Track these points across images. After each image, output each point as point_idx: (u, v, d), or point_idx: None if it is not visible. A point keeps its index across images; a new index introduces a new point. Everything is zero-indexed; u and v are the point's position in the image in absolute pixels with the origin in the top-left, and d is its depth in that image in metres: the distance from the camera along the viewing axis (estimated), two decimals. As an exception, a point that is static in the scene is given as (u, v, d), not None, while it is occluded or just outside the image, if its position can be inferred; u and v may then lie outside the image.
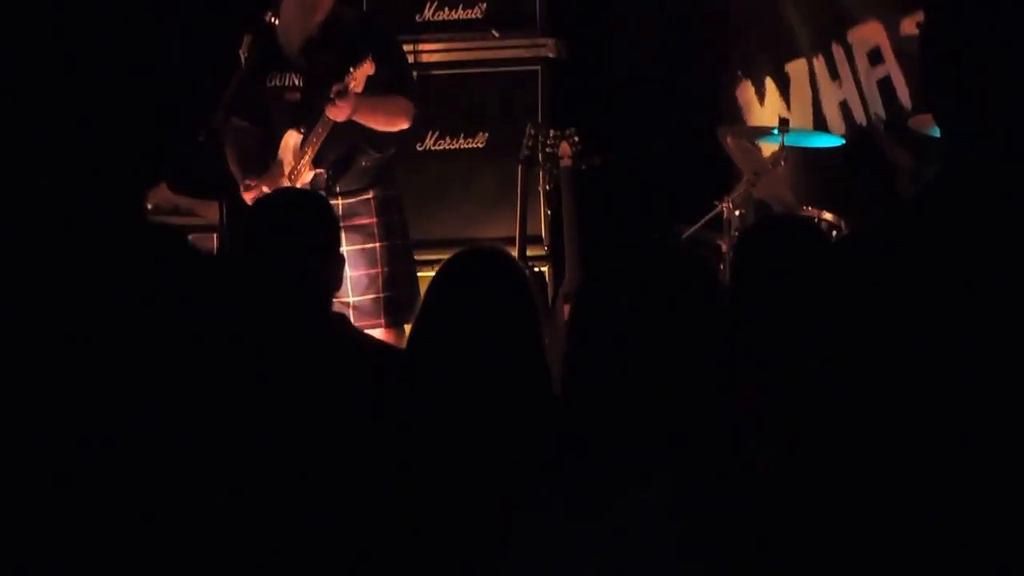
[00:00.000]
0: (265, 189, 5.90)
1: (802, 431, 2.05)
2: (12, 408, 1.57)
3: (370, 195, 6.12)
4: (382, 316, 6.04)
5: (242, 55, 6.11)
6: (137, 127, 1.67)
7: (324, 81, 5.96)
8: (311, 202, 4.36)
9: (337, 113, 5.88)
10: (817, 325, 1.95)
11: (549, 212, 7.25)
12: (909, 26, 7.56)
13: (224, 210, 5.89)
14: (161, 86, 1.68)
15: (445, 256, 3.68)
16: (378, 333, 5.90)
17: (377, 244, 6.09)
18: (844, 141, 7.49)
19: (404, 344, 5.79)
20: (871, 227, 2.11)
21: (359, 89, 5.87)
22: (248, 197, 5.94)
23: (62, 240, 1.62)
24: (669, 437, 2.40)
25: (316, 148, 5.98)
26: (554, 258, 7.29)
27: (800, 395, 2.07)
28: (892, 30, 7.66)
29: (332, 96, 5.84)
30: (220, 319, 1.63)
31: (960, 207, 1.90)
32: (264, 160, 6.11)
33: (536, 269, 7.15)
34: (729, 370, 2.49)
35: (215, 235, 6.11)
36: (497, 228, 7.28)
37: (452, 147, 7.67)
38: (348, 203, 6.05)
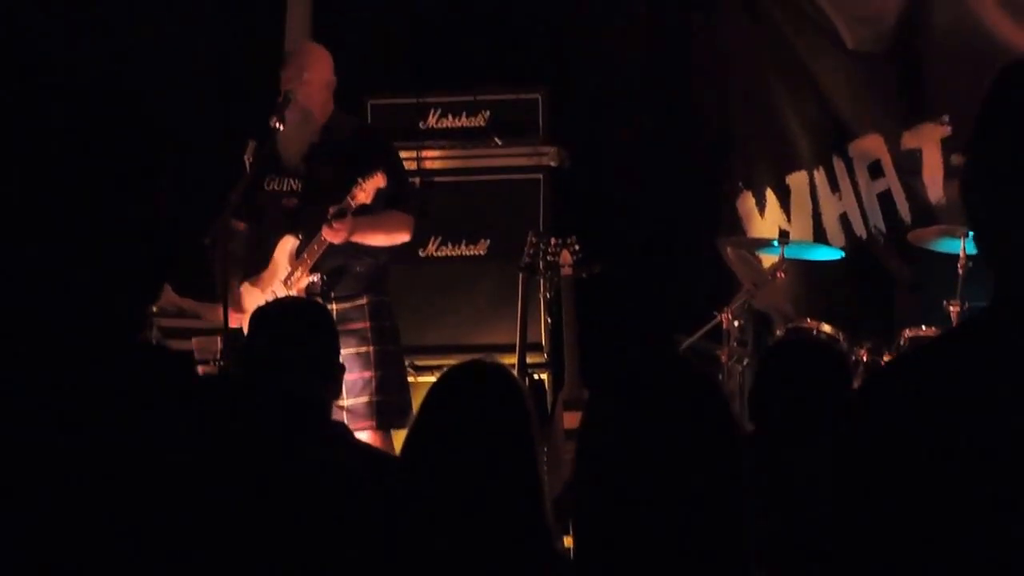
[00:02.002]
0: (265, 294, 5.97)
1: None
2: (8, 529, 1.57)
3: (363, 300, 6.16)
4: (373, 419, 6.06)
5: (247, 160, 6.16)
6: (139, 246, 1.67)
7: (322, 189, 6.03)
8: (313, 314, 4.37)
9: (334, 235, 5.94)
10: (841, 462, 1.90)
11: (549, 320, 7.26)
12: (909, 140, 7.70)
13: (228, 313, 5.90)
14: (160, 204, 1.69)
15: (445, 361, 3.69)
16: (367, 435, 5.94)
17: (371, 348, 6.13)
18: (843, 254, 7.51)
19: (390, 447, 5.81)
20: (905, 360, 2.05)
21: (368, 200, 5.94)
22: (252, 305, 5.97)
23: (59, 361, 1.61)
24: (677, 563, 2.40)
25: (316, 257, 6.04)
26: (554, 366, 7.29)
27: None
28: (892, 144, 7.76)
29: (330, 218, 5.91)
30: (217, 439, 1.63)
31: (1007, 346, 1.86)
32: (259, 263, 6.17)
33: (536, 376, 7.18)
34: (740, 498, 2.48)
35: (219, 338, 6.09)
36: (497, 335, 7.28)
37: (454, 253, 7.68)
38: (342, 308, 6.08)
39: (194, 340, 6.25)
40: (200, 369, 6.05)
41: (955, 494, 1.76)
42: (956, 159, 7.22)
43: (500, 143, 7.69)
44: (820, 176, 7.92)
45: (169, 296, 6.67)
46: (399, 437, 6.00)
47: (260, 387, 3.85)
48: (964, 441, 1.77)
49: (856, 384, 6.46)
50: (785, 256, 7.05)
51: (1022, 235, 1.87)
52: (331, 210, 5.92)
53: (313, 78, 6.11)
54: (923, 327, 6.65)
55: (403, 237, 6.22)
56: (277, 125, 6.03)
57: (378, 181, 5.96)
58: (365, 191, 5.93)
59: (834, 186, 7.90)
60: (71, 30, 6.71)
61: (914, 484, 1.79)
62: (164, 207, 1.69)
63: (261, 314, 4.34)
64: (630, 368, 2.62)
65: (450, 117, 7.78)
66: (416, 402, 3.56)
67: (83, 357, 1.62)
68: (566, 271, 6.88)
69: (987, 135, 1.91)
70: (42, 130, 1.64)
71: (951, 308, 6.58)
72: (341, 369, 4.23)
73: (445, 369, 3.51)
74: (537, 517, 3.19)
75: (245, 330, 6.07)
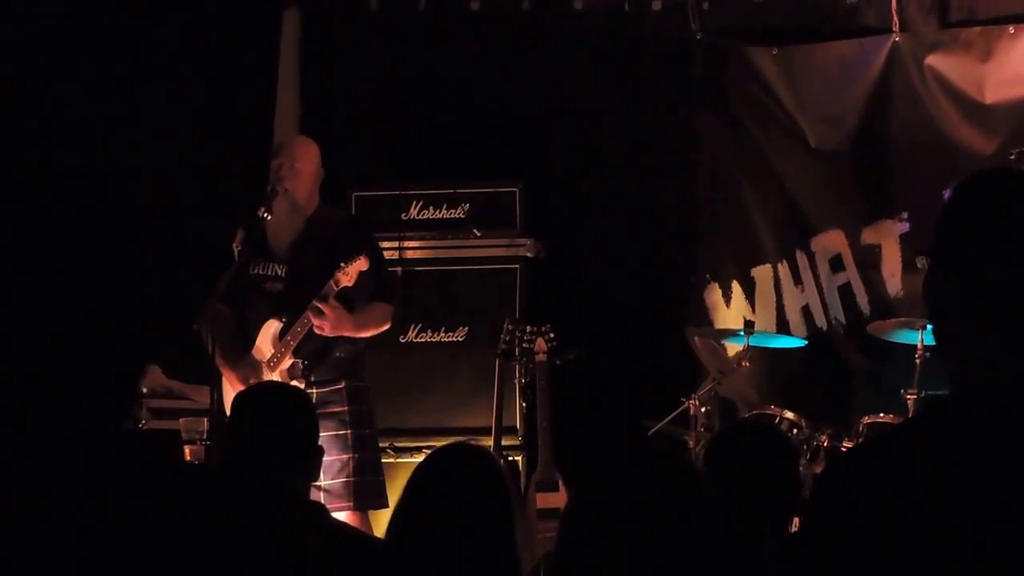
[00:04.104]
0: (251, 379, 6.03)
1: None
2: None
3: (342, 385, 6.24)
4: (351, 500, 6.12)
5: (235, 248, 6.26)
6: (124, 334, 1.66)
7: (306, 274, 6.12)
8: (293, 399, 4.40)
9: (320, 324, 6.03)
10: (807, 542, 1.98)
11: (524, 404, 7.30)
12: (869, 236, 7.77)
13: (214, 395, 5.99)
14: (147, 290, 1.67)
15: (425, 443, 3.77)
16: (345, 515, 6.01)
17: (349, 431, 6.19)
18: (805, 342, 7.58)
19: (367, 527, 5.88)
20: (877, 442, 2.19)
21: (351, 283, 6.04)
22: (235, 382, 6.07)
23: (43, 449, 1.60)
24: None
25: (298, 339, 6.11)
26: (528, 448, 7.33)
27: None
28: (853, 239, 7.82)
29: (314, 302, 6.00)
30: (193, 525, 1.61)
31: (961, 432, 1.93)
32: (242, 344, 6.24)
33: (510, 458, 7.22)
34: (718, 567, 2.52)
35: (205, 419, 6.14)
36: (474, 418, 7.32)
37: (433, 340, 7.72)
38: (321, 392, 6.16)
39: (182, 420, 6.30)
40: (187, 448, 6.10)
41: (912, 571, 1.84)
42: (920, 262, 7.40)
43: (479, 234, 7.76)
44: (784, 269, 7.96)
45: (158, 378, 6.70)
46: (375, 517, 6.17)
47: (238, 470, 3.90)
48: (921, 524, 1.86)
49: (814, 467, 6.47)
50: (750, 345, 7.11)
51: (976, 335, 1.98)
52: (316, 302, 6.01)
53: (304, 169, 6.22)
54: (881, 414, 6.72)
55: (384, 327, 6.32)
56: (265, 215, 6.12)
57: (360, 265, 6.05)
58: (348, 275, 6.02)
59: (797, 279, 7.93)
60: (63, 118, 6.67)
61: (875, 563, 1.86)
62: (149, 295, 1.68)
63: (243, 398, 4.37)
64: (613, 457, 2.68)
65: (431, 209, 7.84)
66: (398, 481, 3.63)
67: (67, 444, 1.59)
68: (541, 358, 7.00)
69: (946, 243, 2.03)
70: (28, 220, 1.62)
71: (908, 397, 6.63)
72: (319, 452, 4.27)
73: (431, 450, 3.62)
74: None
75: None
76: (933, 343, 6.56)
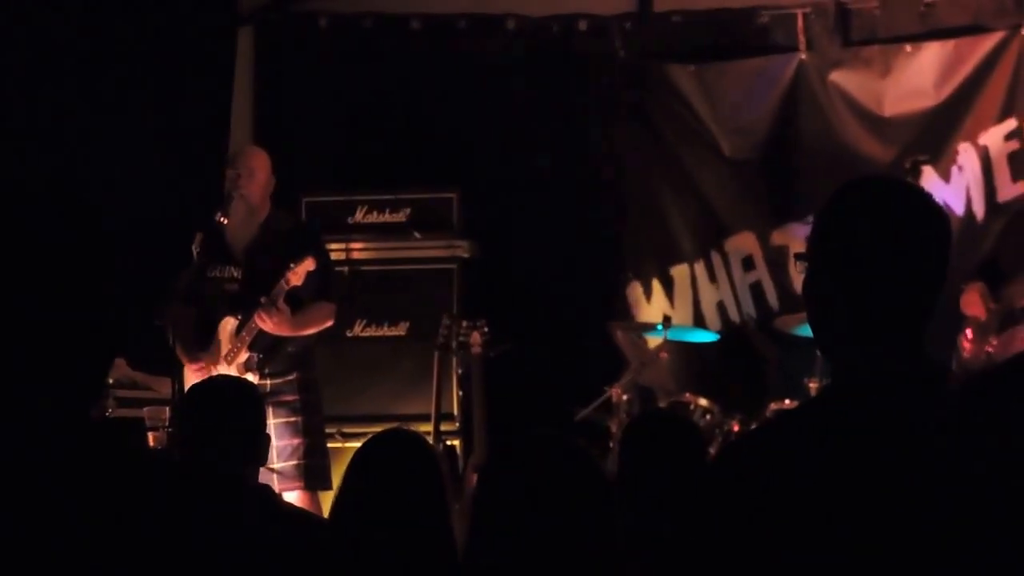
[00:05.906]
0: (212, 369, 6.23)
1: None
2: None
3: (294, 376, 6.42)
4: (302, 480, 6.30)
5: (194, 250, 6.39)
6: (87, 334, 1.68)
7: (261, 276, 6.31)
8: (241, 391, 4.43)
9: (263, 323, 6.25)
10: (702, 516, 2.03)
11: (461, 393, 7.49)
12: (778, 237, 8.07)
13: (175, 386, 6.15)
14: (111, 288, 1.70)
15: (370, 429, 3.81)
16: (295, 495, 6.23)
17: (300, 418, 6.37)
18: (718, 337, 7.84)
19: (317, 507, 6.06)
20: (759, 430, 2.30)
21: (300, 282, 6.22)
22: (194, 373, 6.23)
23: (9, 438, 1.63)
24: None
25: (253, 335, 6.30)
26: (464, 433, 7.47)
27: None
28: (763, 240, 8.13)
29: (262, 302, 6.16)
30: (153, 509, 1.64)
31: (840, 420, 1.97)
32: (202, 340, 6.40)
33: (448, 443, 7.41)
34: (612, 546, 2.66)
35: (167, 408, 6.32)
36: (415, 406, 7.49)
37: (377, 334, 7.90)
38: (275, 383, 6.35)
39: (146, 409, 6.48)
40: (151, 435, 6.31)
41: (788, 535, 1.91)
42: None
43: (419, 236, 7.95)
44: (700, 268, 8.21)
45: (124, 370, 6.83)
46: (324, 498, 6.32)
47: (191, 456, 3.95)
48: (795, 495, 1.92)
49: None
50: (668, 338, 7.37)
51: (851, 338, 2.00)
52: (262, 299, 6.20)
53: (257, 177, 6.40)
54: (787, 401, 7.02)
55: (327, 324, 6.51)
56: (222, 219, 6.30)
57: (308, 265, 6.22)
58: (297, 274, 6.20)
59: (712, 277, 8.19)
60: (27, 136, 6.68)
61: (757, 526, 1.92)
62: (110, 298, 1.69)
63: (195, 391, 4.48)
64: (517, 442, 2.86)
65: (375, 213, 8.01)
66: (345, 464, 3.66)
67: (41, 433, 1.61)
68: (476, 350, 7.12)
69: (822, 250, 2.05)
70: None
71: (811, 385, 6.93)
72: (266, 439, 4.39)
73: (368, 437, 3.66)
74: (449, 564, 3.37)
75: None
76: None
